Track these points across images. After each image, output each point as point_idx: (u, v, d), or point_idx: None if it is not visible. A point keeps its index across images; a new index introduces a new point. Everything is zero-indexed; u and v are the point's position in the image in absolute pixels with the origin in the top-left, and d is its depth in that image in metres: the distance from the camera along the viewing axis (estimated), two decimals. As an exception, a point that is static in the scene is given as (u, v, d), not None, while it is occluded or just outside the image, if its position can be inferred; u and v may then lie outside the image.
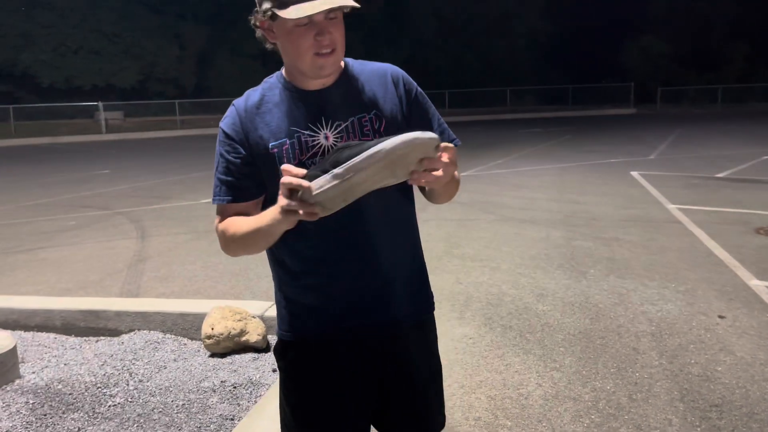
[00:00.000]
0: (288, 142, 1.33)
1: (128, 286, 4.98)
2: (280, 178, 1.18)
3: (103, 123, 27.51)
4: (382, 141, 1.11)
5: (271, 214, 1.23)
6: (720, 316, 3.91)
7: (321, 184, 1.12)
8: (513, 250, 5.67)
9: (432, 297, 1.57)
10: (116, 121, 29.18)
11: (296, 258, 1.41)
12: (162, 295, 4.72)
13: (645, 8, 41.92)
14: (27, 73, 33.23)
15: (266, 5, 1.28)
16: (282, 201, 1.16)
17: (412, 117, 1.43)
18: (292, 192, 1.14)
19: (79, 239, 6.75)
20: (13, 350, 3.07)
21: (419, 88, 1.48)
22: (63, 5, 32.39)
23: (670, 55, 38.83)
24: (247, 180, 1.37)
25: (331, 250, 1.38)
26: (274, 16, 1.27)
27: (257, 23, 1.34)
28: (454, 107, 34.43)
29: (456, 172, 1.42)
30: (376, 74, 1.44)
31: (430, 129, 1.42)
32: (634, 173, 10.38)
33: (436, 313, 1.58)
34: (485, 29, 41.37)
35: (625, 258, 5.30)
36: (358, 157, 1.11)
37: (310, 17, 1.24)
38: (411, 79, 1.47)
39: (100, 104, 27.93)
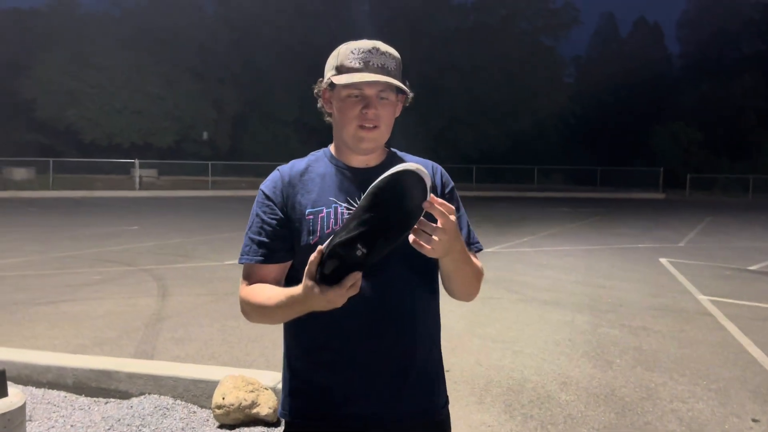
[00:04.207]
0: (325, 210, 1.37)
1: (144, 345, 4.94)
2: (309, 245, 1.19)
3: (137, 180, 28.30)
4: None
5: (295, 291, 1.22)
6: (754, 420, 3.70)
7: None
8: (536, 333, 5.51)
9: (446, 395, 1.51)
10: (150, 179, 29.99)
11: (313, 332, 1.37)
12: (177, 357, 4.66)
13: (675, 95, 42.47)
14: (71, 128, 34.46)
15: (329, 74, 1.37)
16: (307, 282, 1.16)
17: None
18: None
19: (102, 294, 6.78)
20: (22, 408, 3.01)
21: (455, 188, 1.53)
22: (112, 66, 33.90)
23: (701, 142, 38.92)
24: (278, 242, 1.39)
25: (351, 328, 1.35)
26: (332, 85, 1.36)
27: (319, 92, 1.43)
28: (482, 182, 34.71)
29: (477, 262, 1.40)
30: (420, 163, 1.49)
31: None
32: (663, 260, 10.18)
33: (454, 395, 1.52)
34: (515, 108, 42.12)
35: (654, 349, 5.11)
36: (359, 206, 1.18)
37: (361, 91, 1.32)
38: (449, 177, 1.54)
39: (137, 162, 28.81)
